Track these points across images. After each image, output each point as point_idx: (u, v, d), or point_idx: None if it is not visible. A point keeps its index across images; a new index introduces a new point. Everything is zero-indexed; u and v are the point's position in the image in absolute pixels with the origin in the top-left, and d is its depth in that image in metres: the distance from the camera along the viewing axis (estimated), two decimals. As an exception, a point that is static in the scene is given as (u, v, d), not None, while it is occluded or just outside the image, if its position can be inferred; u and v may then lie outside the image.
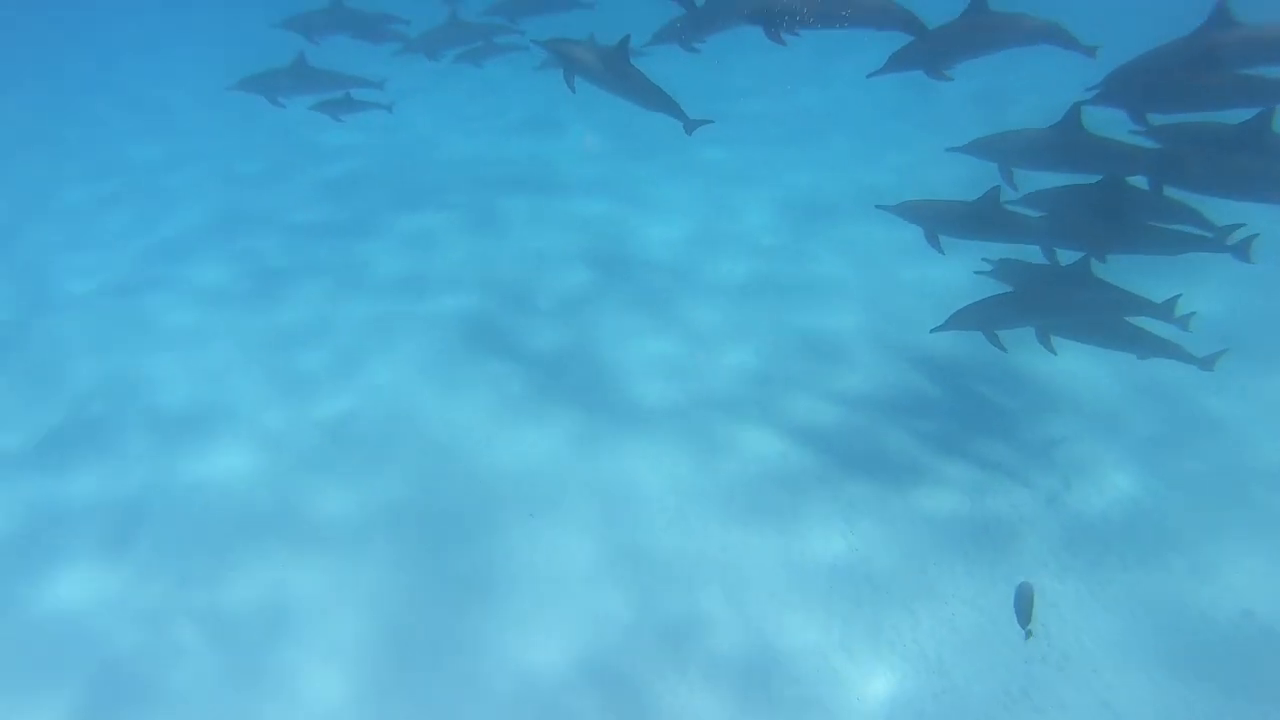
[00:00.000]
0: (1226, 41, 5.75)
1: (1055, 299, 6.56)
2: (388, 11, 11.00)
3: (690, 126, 6.81)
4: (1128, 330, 6.59)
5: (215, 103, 13.67)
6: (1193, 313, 6.55)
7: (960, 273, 7.91)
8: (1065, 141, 6.32)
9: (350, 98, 10.13)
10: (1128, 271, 6.41)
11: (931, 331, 6.67)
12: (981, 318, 6.56)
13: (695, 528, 6.45)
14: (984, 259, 7.04)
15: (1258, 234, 6.08)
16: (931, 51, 6.41)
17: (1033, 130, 6.55)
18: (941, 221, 6.64)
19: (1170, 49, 6.01)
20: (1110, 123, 6.22)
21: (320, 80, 10.18)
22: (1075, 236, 6.37)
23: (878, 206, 6.89)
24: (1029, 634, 5.06)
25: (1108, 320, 6.59)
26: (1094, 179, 6.22)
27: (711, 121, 6.92)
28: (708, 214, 11.36)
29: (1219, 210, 6.08)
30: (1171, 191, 6.15)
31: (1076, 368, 7.81)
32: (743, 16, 6.51)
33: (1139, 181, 6.18)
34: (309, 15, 10.41)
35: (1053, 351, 6.59)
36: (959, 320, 6.57)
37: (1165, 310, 6.48)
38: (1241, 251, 6.10)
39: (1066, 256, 6.51)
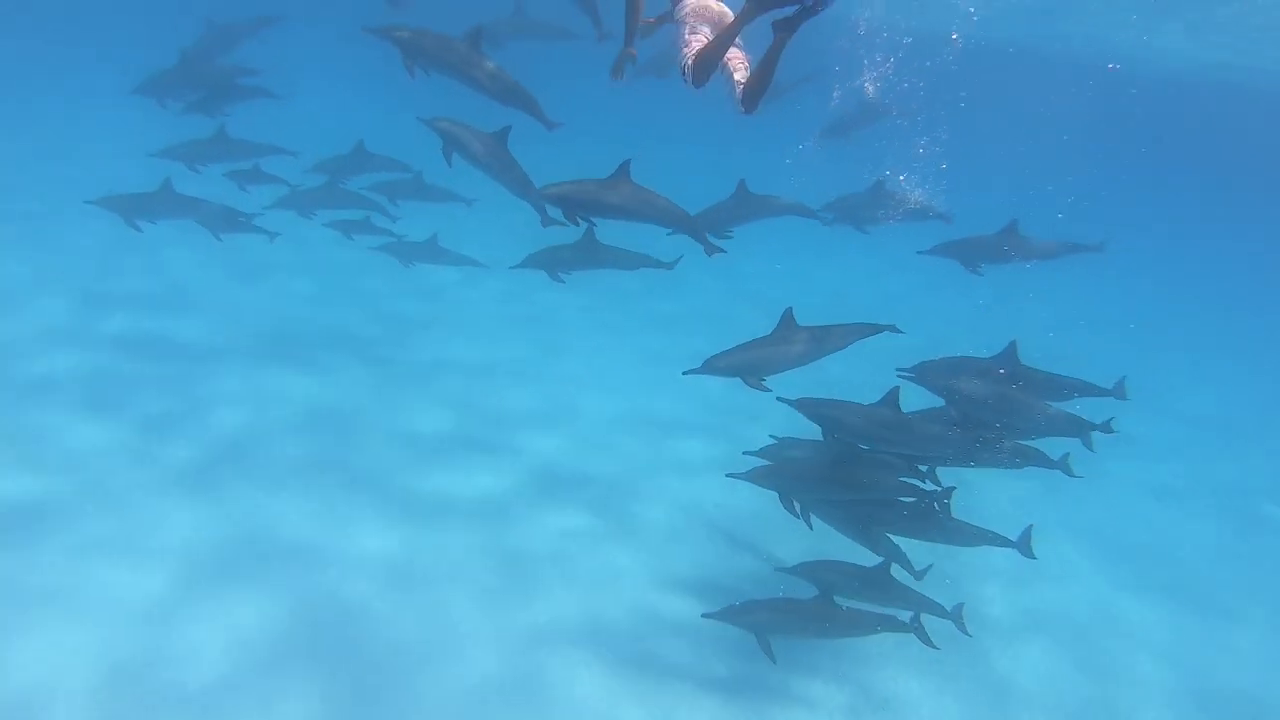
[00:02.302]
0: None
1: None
2: (274, 143, 11.10)
3: (545, 221, 7.27)
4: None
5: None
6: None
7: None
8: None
9: (236, 217, 10.22)
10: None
11: (729, 475, 6.90)
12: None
13: None
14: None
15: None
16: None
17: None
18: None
19: (973, 362, 7.37)
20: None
21: (186, 203, 10.06)
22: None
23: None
24: None
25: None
26: None
27: (565, 223, 7.23)
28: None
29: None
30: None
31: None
32: None
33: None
34: (191, 144, 10.35)
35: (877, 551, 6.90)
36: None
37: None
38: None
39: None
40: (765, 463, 7.25)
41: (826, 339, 7.05)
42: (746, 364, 6.95)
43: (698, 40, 4.88)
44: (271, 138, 11.16)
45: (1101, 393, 7.96)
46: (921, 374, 7.31)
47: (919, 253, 9.70)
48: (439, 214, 12.22)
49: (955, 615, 7.11)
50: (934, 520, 6.97)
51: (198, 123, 10.50)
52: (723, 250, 7.50)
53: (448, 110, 7.54)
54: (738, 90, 4.66)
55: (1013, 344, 7.33)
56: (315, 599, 6.99)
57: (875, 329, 7.11)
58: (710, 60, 4.59)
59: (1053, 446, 7.47)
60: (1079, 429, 7.44)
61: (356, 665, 6.47)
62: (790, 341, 6.99)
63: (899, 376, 7.03)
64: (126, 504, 7.74)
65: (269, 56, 12.11)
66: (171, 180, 9.88)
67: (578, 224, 7.00)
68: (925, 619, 6.92)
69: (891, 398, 6.87)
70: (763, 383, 7.02)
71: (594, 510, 8.80)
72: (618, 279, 9.30)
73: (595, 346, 13.09)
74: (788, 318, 6.98)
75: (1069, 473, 7.60)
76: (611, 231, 8.09)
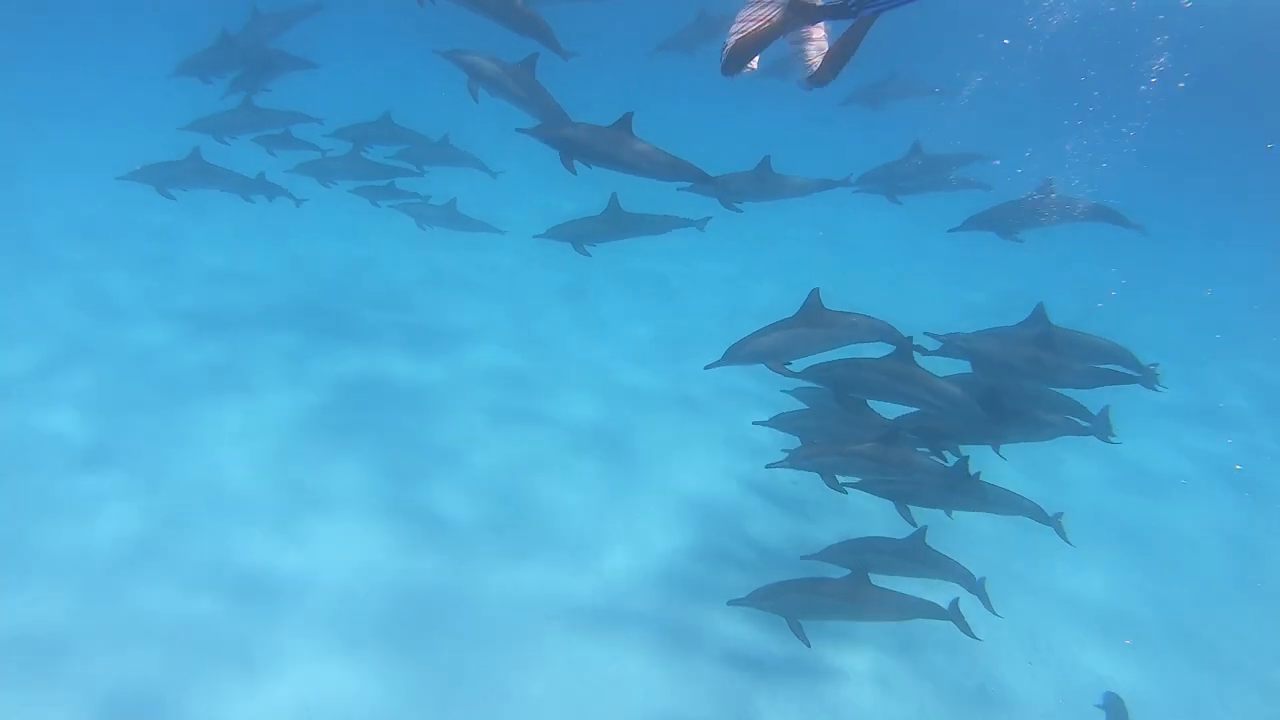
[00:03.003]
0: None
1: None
2: (300, 110, 11.13)
3: (567, 163, 6.80)
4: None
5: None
6: None
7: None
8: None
9: (264, 183, 10.53)
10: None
11: (768, 466, 6.83)
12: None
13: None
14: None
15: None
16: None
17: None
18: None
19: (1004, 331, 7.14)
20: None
21: (219, 176, 10.24)
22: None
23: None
24: None
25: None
26: None
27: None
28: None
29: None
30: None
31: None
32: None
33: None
34: (217, 116, 10.41)
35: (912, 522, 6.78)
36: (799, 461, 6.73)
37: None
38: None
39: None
40: (782, 432, 7.19)
41: (853, 326, 6.77)
42: (769, 349, 6.73)
43: (750, 22, 4.41)
44: (298, 105, 11.16)
45: (1134, 374, 7.62)
46: (946, 343, 7.12)
47: (950, 231, 9.30)
48: (465, 182, 12.22)
49: (979, 589, 6.98)
50: (969, 487, 6.82)
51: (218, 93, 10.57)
52: (739, 209, 7.32)
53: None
54: (807, 63, 4.35)
55: (1040, 306, 7.07)
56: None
57: (899, 336, 6.79)
58: (747, 51, 4.23)
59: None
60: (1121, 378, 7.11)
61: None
62: (815, 324, 6.72)
63: (924, 352, 6.83)
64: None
65: (304, 29, 12.18)
66: (200, 150, 10.02)
67: (574, 171, 6.74)
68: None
69: (904, 349, 6.63)
70: (787, 366, 6.80)
71: (638, 479, 8.89)
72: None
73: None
74: (814, 300, 6.70)
75: (1106, 437, 7.36)
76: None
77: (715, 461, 9.38)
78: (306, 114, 11.16)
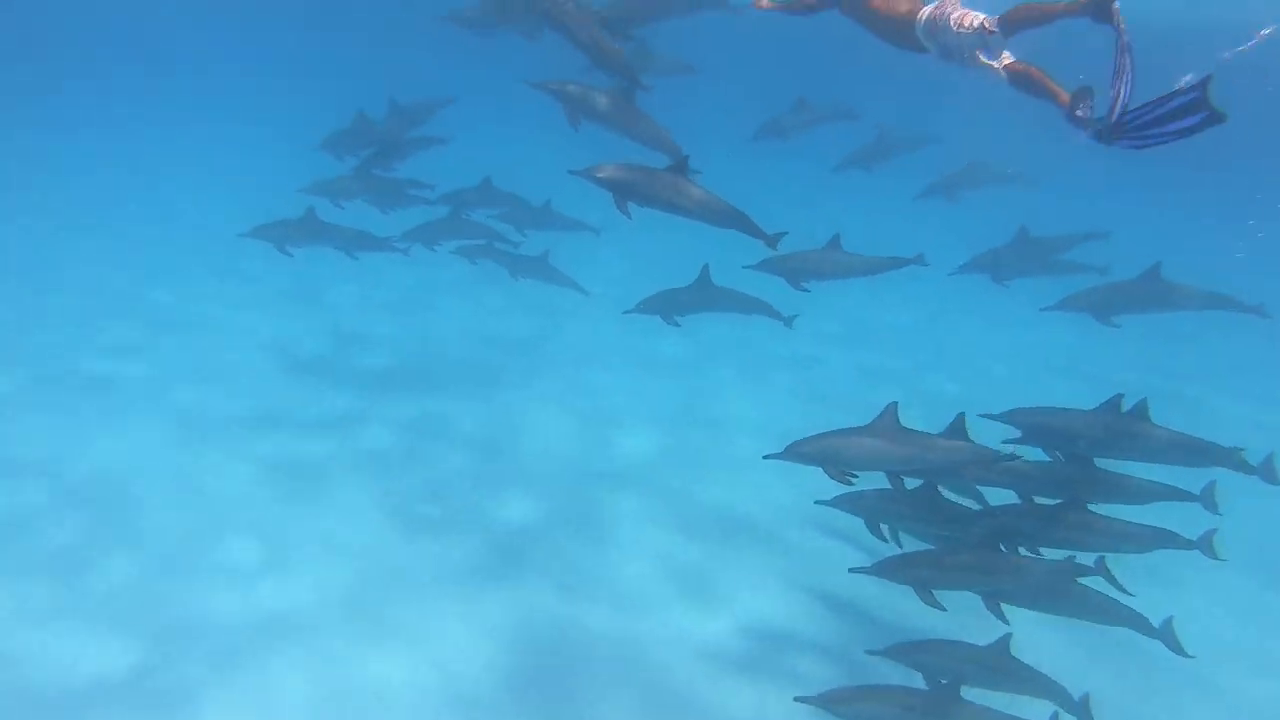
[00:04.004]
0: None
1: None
2: (415, 178, 11.77)
3: (620, 205, 6.63)
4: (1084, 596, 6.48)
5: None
6: None
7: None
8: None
9: (371, 239, 11.06)
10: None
11: (851, 571, 6.50)
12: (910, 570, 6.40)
13: None
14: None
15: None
16: None
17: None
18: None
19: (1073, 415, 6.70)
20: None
21: (331, 233, 10.87)
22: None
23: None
24: None
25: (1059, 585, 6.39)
26: None
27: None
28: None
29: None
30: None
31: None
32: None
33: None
34: (335, 181, 11.03)
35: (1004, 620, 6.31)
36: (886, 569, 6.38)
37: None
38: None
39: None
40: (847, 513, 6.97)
41: (930, 448, 6.38)
42: (831, 454, 6.44)
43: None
44: (411, 171, 11.77)
45: (1246, 470, 6.99)
46: (1010, 415, 6.75)
47: (1042, 310, 9.01)
48: (569, 244, 12.67)
49: (1081, 711, 6.42)
50: (1073, 593, 6.40)
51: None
52: (807, 289, 7.37)
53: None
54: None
55: (1118, 397, 6.51)
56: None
57: (993, 454, 6.36)
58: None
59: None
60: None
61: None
62: (886, 439, 6.38)
63: (980, 414, 6.54)
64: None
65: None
66: (314, 209, 10.70)
67: (628, 215, 6.60)
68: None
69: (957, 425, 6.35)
70: (848, 475, 6.47)
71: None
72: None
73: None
74: (890, 413, 6.38)
75: (1212, 555, 6.84)
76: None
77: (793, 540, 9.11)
78: (419, 180, 11.78)
